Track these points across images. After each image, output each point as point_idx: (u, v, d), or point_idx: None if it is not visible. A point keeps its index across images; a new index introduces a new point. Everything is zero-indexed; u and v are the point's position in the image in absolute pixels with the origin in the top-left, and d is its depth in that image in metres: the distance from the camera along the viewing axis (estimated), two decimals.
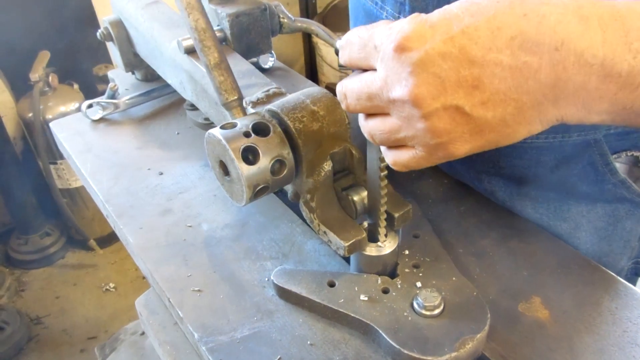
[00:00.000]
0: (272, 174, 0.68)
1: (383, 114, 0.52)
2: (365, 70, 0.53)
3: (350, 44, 0.53)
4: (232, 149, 0.65)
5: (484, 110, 0.47)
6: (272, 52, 1.12)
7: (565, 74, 0.44)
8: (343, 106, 0.56)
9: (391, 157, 0.55)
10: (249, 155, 0.67)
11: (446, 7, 0.47)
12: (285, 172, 0.69)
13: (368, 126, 0.55)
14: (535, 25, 0.44)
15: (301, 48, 3.29)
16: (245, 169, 0.65)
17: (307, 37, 3.21)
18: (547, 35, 0.43)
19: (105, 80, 2.56)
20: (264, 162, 0.66)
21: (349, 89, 0.54)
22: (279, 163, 0.68)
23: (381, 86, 0.50)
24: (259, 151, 0.66)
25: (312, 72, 3.30)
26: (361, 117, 0.56)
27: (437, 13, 0.47)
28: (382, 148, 0.56)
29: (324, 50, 3.01)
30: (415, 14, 0.47)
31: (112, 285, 2.61)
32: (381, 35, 0.49)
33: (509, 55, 0.44)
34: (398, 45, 0.47)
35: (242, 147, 0.66)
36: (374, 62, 0.51)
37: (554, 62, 0.44)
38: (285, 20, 1.03)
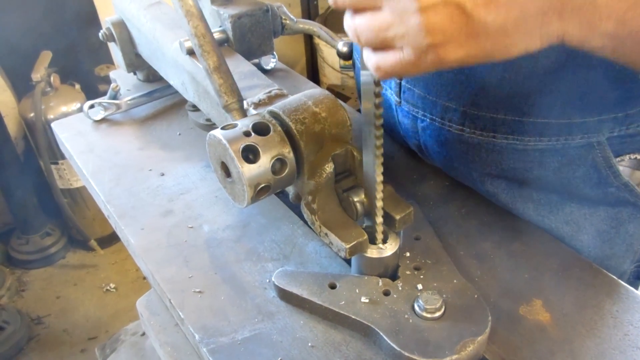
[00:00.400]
0: (274, 174, 0.68)
1: (374, 8, 0.49)
2: None
3: None
4: (232, 148, 0.65)
5: (485, 12, 0.44)
6: (274, 53, 1.12)
7: None
8: (330, 1, 0.52)
9: (375, 61, 0.51)
10: (250, 155, 0.67)
11: None
12: (286, 171, 0.68)
13: (355, 23, 0.51)
14: None
15: (302, 49, 3.29)
16: (245, 168, 0.65)
17: (309, 39, 3.21)
18: None
19: (106, 80, 2.56)
20: (265, 160, 0.66)
21: None
22: (280, 162, 0.68)
23: None
24: (259, 150, 0.66)
25: (313, 74, 3.30)
26: (348, 15, 0.52)
27: None
28: (366, 51, 0.53)
29: (325, 51, 3.01)
30: None
31: (112, 285, 2.60)
32: None
33: None
34: None
35: (242, 146, 0.66)
36: None
37: None
38: (288, 22, 1.03)
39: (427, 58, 0.48)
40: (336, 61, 2.96)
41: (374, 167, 0.63)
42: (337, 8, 0.52)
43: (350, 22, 0.52)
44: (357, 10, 0.51)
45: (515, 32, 0.45)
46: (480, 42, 0.46)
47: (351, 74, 2.97)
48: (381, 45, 0.50)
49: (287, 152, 0.68)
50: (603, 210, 0.82)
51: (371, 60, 0.52)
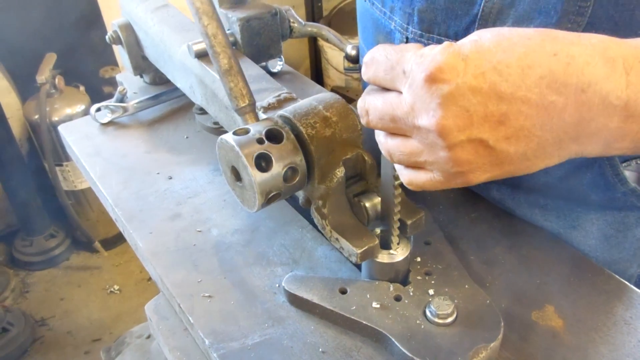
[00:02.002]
0: (285, 181, 0.67)
1: (405, 136, 0.53)
2: (388, 90, 0.53)
3: (377, 62, 0.53)
4: (245, 155, 0.65)
5: (507, 144, 0.48)
6: (281, 56, 1.12)
7: (589, 114, 0.46)
8: (363, 122, 0.56)
9: (407, 177, 0.55)
10: (262, 162, 0.66)
11: (478, 39, 0.47)
12: (297, 179, 0.68)
13: (387, 144, 0.55)
14: (563, 66, 0.45)
15: (306, 51, 3.29)
16: (258, 176, 0.65)
17: (313, 40, 3.21)
18: (575, 77, 0.45)
19: (111, 82, 2.56)
20: (277, 169, 0.66)
21: (372, 106, 0.54)
22: (292, 170, 0.68)
23: (407, 112, 0.50)
24: (272, 158, 0.66)
25: (317, 75, 3.30)
26: (380, 134, 0.56)
27: (469, 45, 0.47)
28: (398, 166, 0.57)
29: (329, 53, 3.01)
30: (447, 44, 0.48)
31: (116, 287, 2.60)
32: (411, 62, 0.49)
33: (537, 94, 0.45)
34: (430, 75, 0.47)
35: (256, 154, 0.65)
36: (400, 85, 0.51)
37: (580, 103, 0.45)
38: (296, 25, 1.03)
39: (456, 180, 0.52)
40: (340, 63, 2.96)
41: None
42: (369, 127, 0.56)
43: (383, 140, 0.55)
44: (390, 133, 0.54)
45: (535, 157, 0.49)
46: (504, 167, 0.50)
47: (355, 75, 2.97)
48: (412, 166, 0.54)
49: (300, 161, 0.68)
50: (610, 215, 0.82)
51: (403, 175, 0.56)
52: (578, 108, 0.45)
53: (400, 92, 0.51)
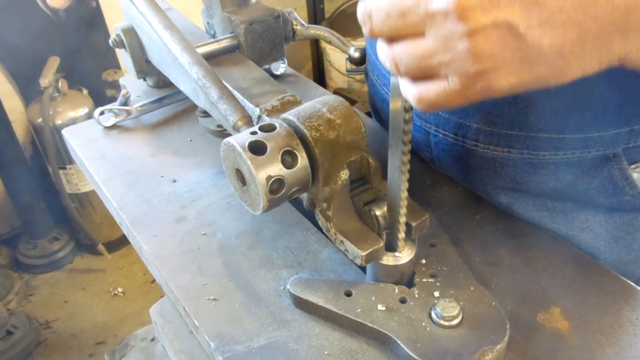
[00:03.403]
0: (286, 168, 0.67)
1: (415, 35, 0.44)
2: None
3: None
4: (239, 145, 0.66)
5: (540, 32, 0.40)
6: (284, 58, 1.12)
7: None
8: (366, 31, 0.47)
9: (416, 92, 0.46)
10: (259, 152, 0.67)
11: None
12: (298, 165, 0.68)
13: (393, 52, 0.46)
14: None
15: (309, 53, 3.29)
16: (254, 160, 0.65)
17: (315, 42, 3.21)
18: None
19: (113, 85, 2.57)
20: (272, 152, 0.66)
21: (376, 6, 0.45)
22: (290, 155, 0.68)
23: None
24: (266, 144, 0.66)
25: (319, 77, 3.30)
26: (383, 44, 0.47)
27: None
28: (404, 82, 0.48)
29: (332, 55, 3.01)
30: None
31: (120, 289, 2.61)
32: None
33: None
34: None
35: (249, 142, 0.66)
36: None
37: None
38: (298, 28, 1.03)
39: (476, 86, 0.43)
40: (343, 65, 2.96)
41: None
42: (373, 37, 0.47)
43: (387, 50, 0.47)
44: (396, 37, 0.46)
45: (573, 55, 0.41)
46: (534, 67, 0.42)
47: (358, 77, 2.97)
48: (423, 74, 0.46)
49: (296, 144, 0.67)
50: (619, 217, 0.81)
51: (412, 91, 0.47)
52: None
53: None
